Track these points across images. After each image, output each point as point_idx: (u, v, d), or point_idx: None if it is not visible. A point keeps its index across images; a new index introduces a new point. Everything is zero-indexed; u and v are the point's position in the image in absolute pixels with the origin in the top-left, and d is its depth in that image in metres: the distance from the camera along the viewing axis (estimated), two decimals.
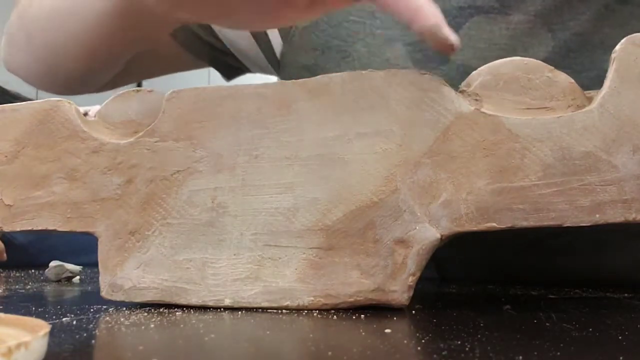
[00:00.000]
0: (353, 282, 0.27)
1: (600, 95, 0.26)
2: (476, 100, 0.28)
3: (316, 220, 0.28)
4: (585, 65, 0.30)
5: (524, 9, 0.37)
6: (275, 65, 0.47)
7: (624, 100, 0.25)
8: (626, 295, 0.34)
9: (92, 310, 0.28)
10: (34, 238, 0.72)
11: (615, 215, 0.25)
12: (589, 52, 0.36)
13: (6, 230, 0.32)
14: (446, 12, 0.48)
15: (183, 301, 0.29)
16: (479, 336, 0.21)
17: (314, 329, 0.23)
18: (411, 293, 0.27)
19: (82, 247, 0.67)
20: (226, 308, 0.29)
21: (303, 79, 0.29)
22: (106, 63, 0.45)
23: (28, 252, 0.71)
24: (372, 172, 0.28)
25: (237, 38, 0.46)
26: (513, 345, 0.19)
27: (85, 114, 0.33)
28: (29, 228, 0.31)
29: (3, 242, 0.67)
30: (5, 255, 0.66)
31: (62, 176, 0.31)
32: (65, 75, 0.46)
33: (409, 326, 0.24)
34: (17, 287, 0.40)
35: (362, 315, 0.26)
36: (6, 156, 0.32)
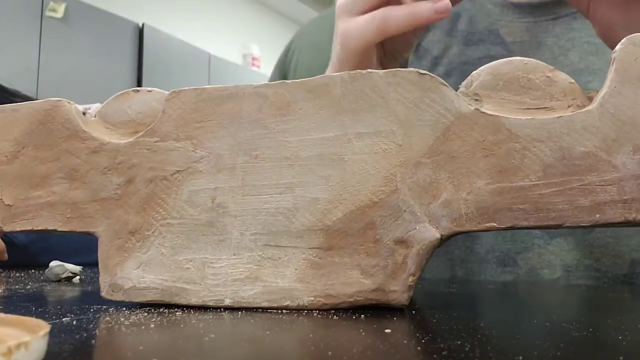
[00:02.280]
0: (353, 282, 0.27)
1: (600, 95, 0.26)
2: (476, 100, 0.28)
3: (316, 220, 0.28)
4: None
5: (523, 52, 0.55)
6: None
7: (624, 100, 0.25)
8: (626, 295, 0.34)
9: (92, 310, 0.28)
10: (35, 238, 0.72)
11: (615, 215, 0.25)
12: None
13: (6, 230, 0.32)
14: (469, 63, 0.60)
15: (183, 301, 0.29)
16: (479, 336, 0.21)
17: (314, 329, 0.23)
18: (411, 293, 0.27)
19: (82, 247, 0.67)
20: (226, 308, 0.29)
21: (303, 79, 0.29)
22: None
23: (28, 252, 0.71)
24: (372, 172, 0.28)
25: None
26: (513, 345, 0.19)
27: (84, 113, 0.33)
28: (29, 228, 0.31)
29: (4, 241, 0.67)
30: (6, 254, 0.66)
31: (62, 176, 0.31)
32: None
33: (409, 326, 0.24)
34: (17, 287, 0.40)
35: (362, 315, 0.26)
36: (6, 156, 0.32)
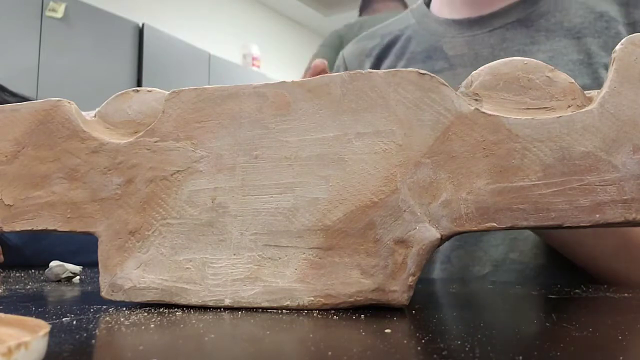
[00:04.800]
0: (353, 282, 0.27)
1: (600, 95, 0.26)
2: (476, 100, 0.28)
3: (316, 220, 0.28)
4: None
5: (462, 63, 0.62)
6: None
7: (624, 100, 0.25)
8: (626, 295, 0.34)
9: (92, 310, 0.28)
10: (28, 239, 0.71)
11: (615, 215, 0.25)
12: None
13: (6, 230, 0.32)
14: None
15: (183, 301, 0.29)
16: (479, 336, 0.21)
17: (314, 329, 0.23)
18: (411, 293, 0.27)
19: (78, 250, 0.67)
20: (226, 308, 0.28)
21: (303, 79, 0.29)
22: None
23: (23, 253, 0.70)
24: (372, 172, 0.28)
25: None
26: (513, 345, 0.19)
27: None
28: (29, 228, 0.31)
29: None
30: (2, 256, 0.66)
31: (62, 176, 0.31)
32: None
33: (409, 326, 0.24)
34: (17, 287, 0.40)
35: (362, 315, 0.26)
36: (6, 156, 0.32)
